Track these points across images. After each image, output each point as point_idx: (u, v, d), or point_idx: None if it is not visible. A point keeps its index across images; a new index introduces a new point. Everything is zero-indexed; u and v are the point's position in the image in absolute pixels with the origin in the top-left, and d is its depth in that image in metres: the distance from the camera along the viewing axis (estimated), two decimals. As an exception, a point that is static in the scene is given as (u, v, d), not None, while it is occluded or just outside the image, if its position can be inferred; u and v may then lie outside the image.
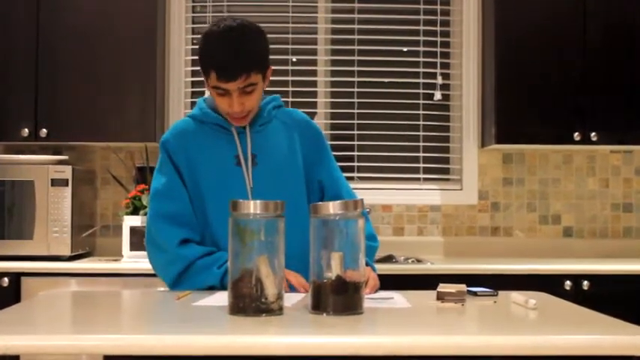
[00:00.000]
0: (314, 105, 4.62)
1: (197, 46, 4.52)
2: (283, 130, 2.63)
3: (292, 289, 2.37)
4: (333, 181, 2.68)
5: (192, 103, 4.60)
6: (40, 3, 4.14)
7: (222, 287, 2.38)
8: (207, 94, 4.49)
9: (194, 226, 2.54)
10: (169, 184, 2.55)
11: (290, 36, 4.60)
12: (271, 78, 2.56)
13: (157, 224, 2.54)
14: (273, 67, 2.54)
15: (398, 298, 2.27)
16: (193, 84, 4.61)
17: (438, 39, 4.64)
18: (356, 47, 4.64)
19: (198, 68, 4.57)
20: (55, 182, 3.96)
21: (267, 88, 2.58)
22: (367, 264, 2.45)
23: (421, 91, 4.63)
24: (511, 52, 4.22)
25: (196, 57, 4.55)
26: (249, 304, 1.90)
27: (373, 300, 2.20)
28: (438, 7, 4.64)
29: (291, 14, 4.62)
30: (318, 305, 1.96)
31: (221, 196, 2.43)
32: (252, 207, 1.93)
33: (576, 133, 4.16)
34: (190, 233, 2.52)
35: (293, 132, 2.64)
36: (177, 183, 2.54)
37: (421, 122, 4.63)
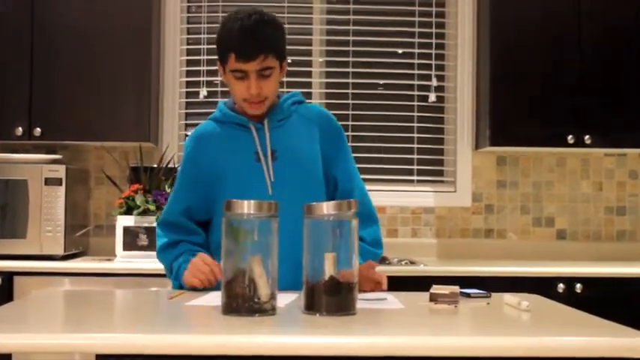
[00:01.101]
0: (308, 106, 4.61)
1: (193, 46, 4.56)
2: (303, 125, 2.63)
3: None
4: (348, 177, 2.67)
5: (187, 104, 4.60)
6: (35, 2, 4.14)
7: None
8: (201, 95, 4.49)
9: (180, 224, 2.59)
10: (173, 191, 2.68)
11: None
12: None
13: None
14: None
15: (391, 299, 2.28)
16: (188, 84, 4.61)
17: (433, 41, 4.64)
18: (351, 49, 4.64)
19: (193, 68, 4.59)
20: (48, 181, 3.95)
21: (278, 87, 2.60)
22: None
23: (416, 92, 4.64)
24: (506, 54, 4.23)
25: (191, 57, 4.59)
26: (243, 304, 1.90)
27: (366, 301, 2.20)
28: (433, 8, 4.65)
29: (286, 15, 4.61)
30: (312, 305, 1.96)
31: (242, 193, 2.40)
32: (246, 207, 1.93)
33: (570, 136, 4.16)
34: (173, 235, 2.59)
35: (313, 127, 2.64)
36: (179, 188, 2.63)
37: (415, 124, 4.63)
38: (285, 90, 4.53)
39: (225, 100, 2.70)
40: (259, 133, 2.56)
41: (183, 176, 2.63)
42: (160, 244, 2.60)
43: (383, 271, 3.79)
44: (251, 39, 2.42)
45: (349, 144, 4.51)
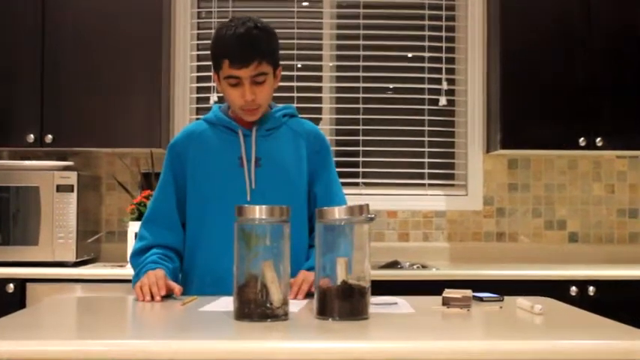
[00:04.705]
0: (319, 111, 4.62)
1: (203, 52, 4.56)
2: (292, 138, 2.65)
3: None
4: (327, 196, 2.66)
5: (198, 109, 4.61)
6: (46, 9, 4.15)
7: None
8: (212, 101, 4.50)
9: (169, 216, 2.63)
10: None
11: (295, 41, 4.60)
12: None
13: None
14: None
15: (402, 303, 2.27)
16: (199, 90, 4.62)
17: (443, 44, 4.64)
18: (361, 53, 4.64)
19: (204, 74, 4.60)
20: (60, 188, 3.96)
21: (272, 94, 2.61)
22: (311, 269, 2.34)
23: (426, 96, 4.63)
24: (516, 57, 4.22)
25: (202, 63, 4.60)
26: (255, 309, 1.90)
27: (377, 305, 2.20)
28: (443, 12, 4.64)
29: (296, 19, 4.62)
30: (324, 310, 1.96)
31: (221, 196, 2.54)
32: (258, 212, 1.93)
33: (582, 139, 4.15)
34: (155, 234, 2.62)
35: (301, 141, 2.66)
36: (166, 181, 2.65)
37: (426, 128, 4.63)
38: (295, 95, 4.54)
39: (221, 104, 2.71)
40: (246, 140, 2.59)
41: (170, 171, 2.65)
42: (134, 249, 2.62)
43: (395, 275, 3.79)
44: (245, 45, 2.45)
45: (360, 148, 4.57)
